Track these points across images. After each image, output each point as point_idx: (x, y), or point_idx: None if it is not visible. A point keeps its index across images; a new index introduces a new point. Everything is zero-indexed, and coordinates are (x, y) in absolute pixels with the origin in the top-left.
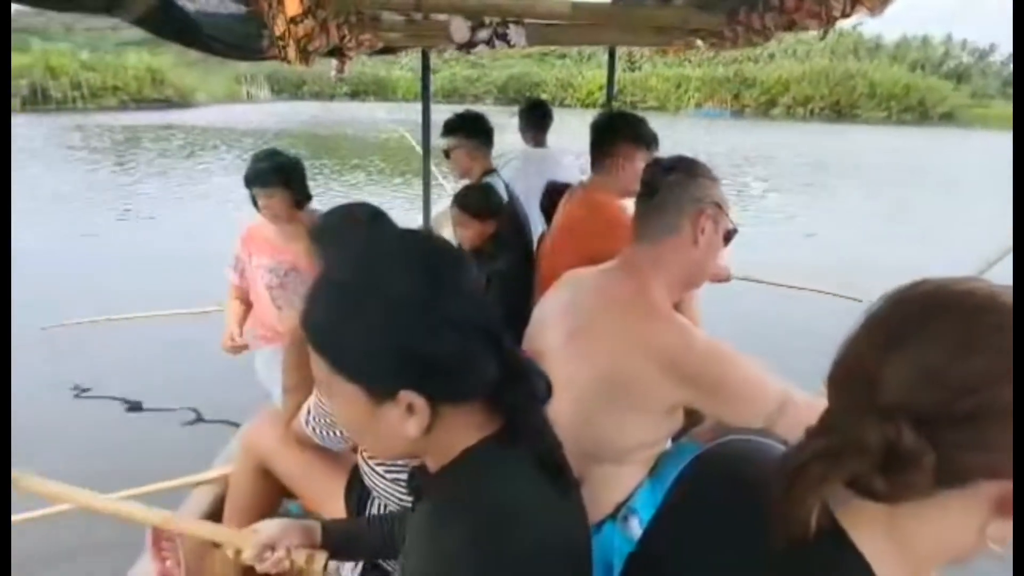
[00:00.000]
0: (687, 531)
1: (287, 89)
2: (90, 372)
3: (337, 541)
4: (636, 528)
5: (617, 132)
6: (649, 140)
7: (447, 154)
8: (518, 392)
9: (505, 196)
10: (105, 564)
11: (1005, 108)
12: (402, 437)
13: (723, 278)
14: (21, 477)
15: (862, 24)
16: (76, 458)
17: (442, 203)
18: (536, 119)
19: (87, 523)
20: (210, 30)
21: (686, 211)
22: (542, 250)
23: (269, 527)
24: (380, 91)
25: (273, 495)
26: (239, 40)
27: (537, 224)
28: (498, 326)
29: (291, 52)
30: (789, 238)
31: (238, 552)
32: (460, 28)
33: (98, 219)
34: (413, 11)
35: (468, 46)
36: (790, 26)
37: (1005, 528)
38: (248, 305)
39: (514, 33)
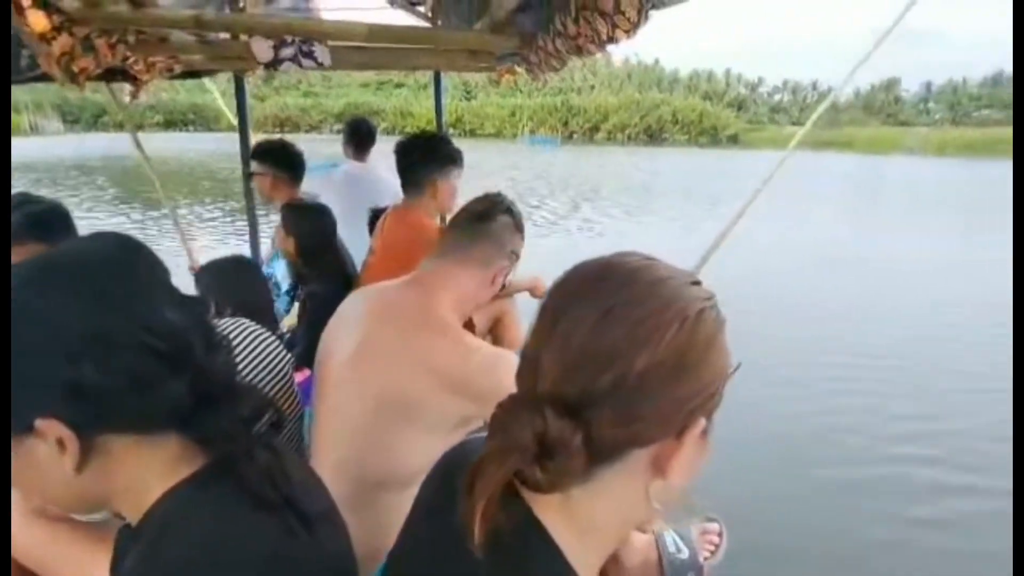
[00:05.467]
0: (412, 540)
1: (83, 120)
2: None
3: None
4: None
5: (428, 153)
6: (459, 159)
7: (249, 178)
8: (218, 419)
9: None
10: None
11: (774, 131)
12: (63, 480)
13: (541, 294)
14: None
15: (658, 60)
16: None
17: None
18: (357, 139)
19: None
20: None
21: (502, 252)
22: (363, 272)
23: None
24: (201, 120)
25: None
26: None
27: (360, 245)
28: (183, 344)
29: (56, 72)
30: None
31: None
32: (262, 48)
33: None
34: (195, 30)
35: (274, 64)
36: (578, 51)
37: (663, 487)
38: None
39: (319, 52)
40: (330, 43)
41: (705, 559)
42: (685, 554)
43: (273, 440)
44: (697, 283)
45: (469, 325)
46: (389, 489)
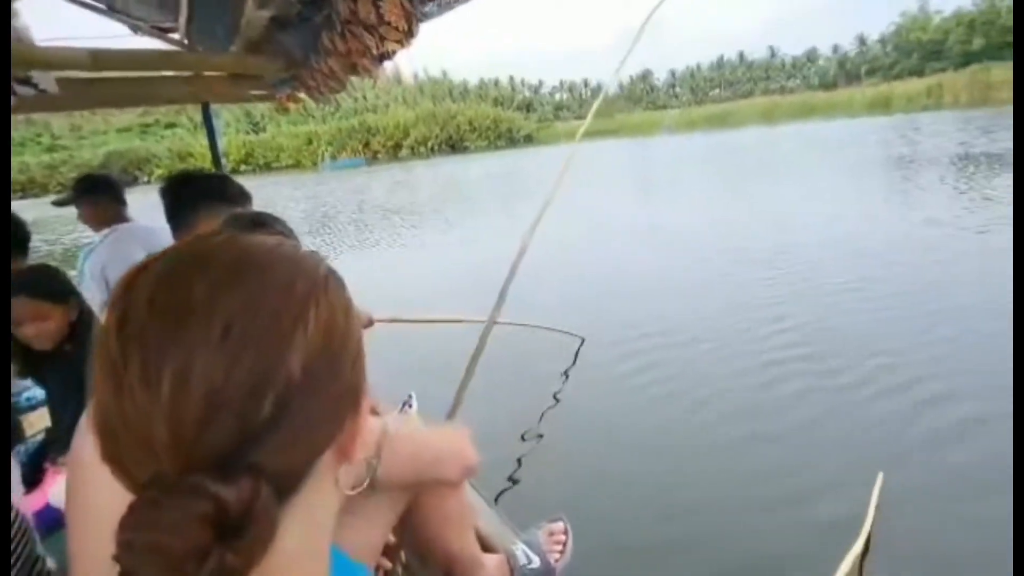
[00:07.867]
0: None
1: None
2: None
3: None
4: None
5: (196, 193)
6: (236, 196)
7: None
8: None
9: None
10: None
11: (561, 127)
12: None
13: (365, 324)
14: None
15: (447, 73)
16: None
17: None
18: (108, 196)
19: None
20: None
21: None
22: None
23: None
24: None
25: None
26: None
27: None
28: None
29: None
30: None
31: None
32: None
33: None
34: None
35: None
36: (353, 69)
37: (348, 470)
38: None
39: (41, 78)
40: (54, 74)
41: (556, 560)
42: (536, 563)
43: None
44: (297, 245)
45: None
46: None
